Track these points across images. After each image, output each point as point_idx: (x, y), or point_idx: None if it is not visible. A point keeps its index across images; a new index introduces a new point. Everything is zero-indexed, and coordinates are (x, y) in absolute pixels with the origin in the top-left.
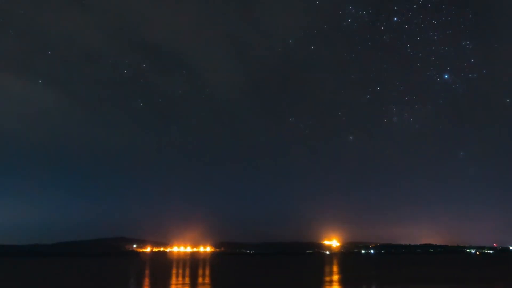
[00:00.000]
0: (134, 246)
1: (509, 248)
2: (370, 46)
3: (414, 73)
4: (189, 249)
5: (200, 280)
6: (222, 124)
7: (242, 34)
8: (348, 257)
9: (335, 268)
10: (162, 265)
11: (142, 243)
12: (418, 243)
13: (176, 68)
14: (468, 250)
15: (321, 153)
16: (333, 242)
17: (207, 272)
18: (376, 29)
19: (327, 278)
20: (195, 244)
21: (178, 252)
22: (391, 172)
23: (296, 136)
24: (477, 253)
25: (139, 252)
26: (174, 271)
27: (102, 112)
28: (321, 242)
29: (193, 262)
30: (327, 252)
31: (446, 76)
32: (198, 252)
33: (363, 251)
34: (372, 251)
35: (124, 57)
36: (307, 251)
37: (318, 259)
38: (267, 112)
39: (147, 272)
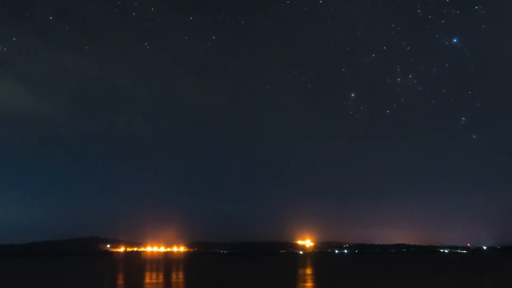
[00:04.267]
0: (108, 246)
1: (482, 248)
2: (379, 4)
3: (422, 35)
4: (162, 249)
5: (173, 279)
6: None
7: None
8: (318, 257)
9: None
10: (136, 264)
11: (116, 243)
12: (391, 242)
13: None
14: (441, 250)
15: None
16: (306, 242)
17: (180, 271)
18: None
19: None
20: (169, 244)
21: (152, 252)
22: (369, 170)
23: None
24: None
25: (113, 252)
26: (147, 270)
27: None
28: (295, 242)
29: (166, 262)
30: (301, 252)
31: (455, 40)
32: (171, 252)
33: (336, 251)
34: (345, 251)
35: None
36: (281, 251)
37: (288, 259)
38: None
39: (120, 271)
